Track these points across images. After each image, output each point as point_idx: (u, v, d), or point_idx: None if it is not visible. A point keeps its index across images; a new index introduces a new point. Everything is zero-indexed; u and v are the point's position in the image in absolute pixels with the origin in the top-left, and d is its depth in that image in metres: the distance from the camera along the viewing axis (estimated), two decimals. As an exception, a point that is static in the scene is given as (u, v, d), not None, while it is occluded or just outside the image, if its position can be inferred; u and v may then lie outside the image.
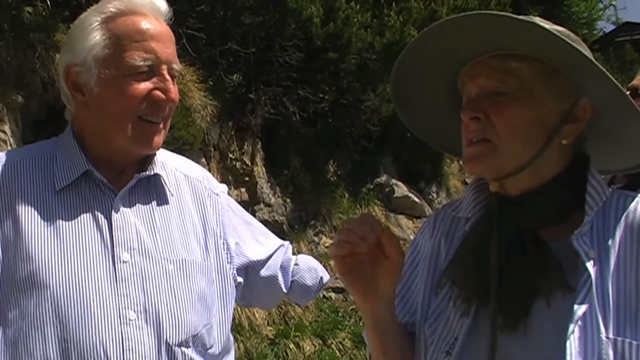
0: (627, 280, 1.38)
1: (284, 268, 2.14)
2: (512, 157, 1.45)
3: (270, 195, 8.02)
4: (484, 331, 1.44)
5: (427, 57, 1.54)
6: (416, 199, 9.77)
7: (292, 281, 2.16)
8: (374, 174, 9.54)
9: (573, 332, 1.35)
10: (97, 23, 1.81)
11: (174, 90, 1.83)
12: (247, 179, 7.87)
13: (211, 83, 7.32)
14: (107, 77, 1.79)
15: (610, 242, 1.41)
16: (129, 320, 1.74)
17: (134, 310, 1.75)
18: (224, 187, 2.10)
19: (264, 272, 2.09)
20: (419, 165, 9.73)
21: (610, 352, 1.33)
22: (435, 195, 10.37)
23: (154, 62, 1.79)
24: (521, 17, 1.41)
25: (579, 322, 1.36)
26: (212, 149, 7.47)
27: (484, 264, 1.46)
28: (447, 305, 1.53)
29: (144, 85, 1.79)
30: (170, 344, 1.77)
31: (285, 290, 2.15)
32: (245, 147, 7.92)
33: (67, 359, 1.71)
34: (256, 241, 2.09)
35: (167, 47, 1.82)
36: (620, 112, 1.45)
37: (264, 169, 8.09)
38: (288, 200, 8.28)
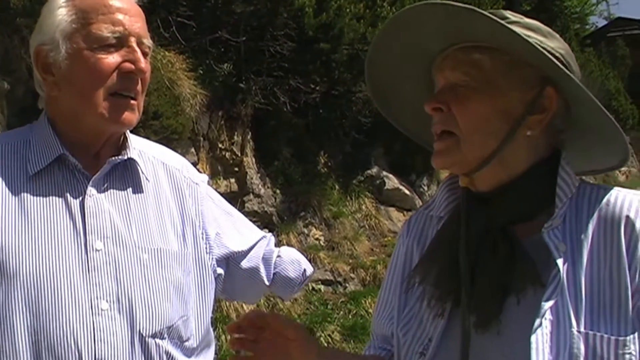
0: (600, 274, 1.36)
1: (266, 260, 2.09)
2: (474, 149, 1.43)
3: (260, 186, 7.97)
4: (458, 331, 1.42)
5: (398, 55, 1.52)
6: (407, 192, 9.76)
7: (274, 273, 2.11)
8: (364, 165, 9.52)
9: (540, 326, 1.33)
10: (62, 1, 1.79)
11: (143, 61, 1.78)
12: (236, 169, 7.82)
13: (201, 72, 7.26)
14: (75, 51, 1.75)
15: (583, 235, 1.39)
16: (101, 310, 1.70)
17: (107, 300, 1.71)
18: (204, 177, 2.05)
19: (245, 263, 2.04)
20: (410, 157, 9.69)
21: (582, 346, 1.32)
22: (426, 188, 10.36)
23: (121, 34, 1.75)
24: (474, 8, 1.38)
25: (550, 317, 1.34)
26: (202, 139, 7.42)
27: (456, 263, 1.44)
28: (421, 306, 1.52)
29: (113, 59, 1.75)
30: (144, 335, 1.73)
31: (267, 283, 2.10)
32: (235, 137, 7.87)
33: (38, 350, 1.66)
34: (237, 232, 2.04)
35: (135, 21, 1.78)
36: (589, 107, 1.42)
37: (253, 160, 8.04)
38: (278, 191, 8.24)
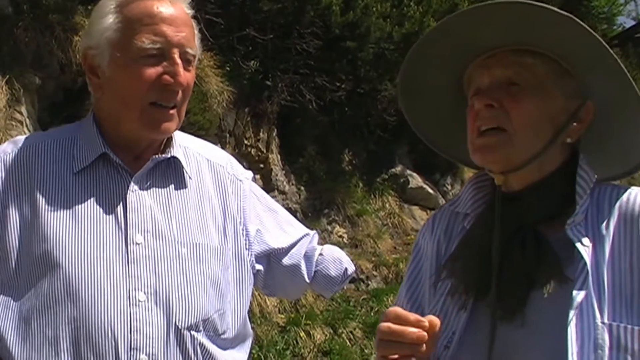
0: (621, 267, 1.41)
1: (307, 257, 2.12)
2: (524, 148, 1.47)
3: (285, 183, 8.01)
4: (481, 324, 1.47)
5: (440, 48, 1.56)
6: (431, 191, 9.73)
7: (315, 271, 2.13)
8: (389, 164, 9.50)
9: (572, 318, 1.37)
10: (112, 7, 1.83)
11: (183, 74, 1.81)
12: (261, 166, 7.85)
13: (228, 69, 7.29)
14: (118, 60, 1.80)
15: (604, 231, 1.44)
16: (139, 301, 1.74)
17: (144, 292, 1.75)
18: (249, 174, 2.09)
19: (286, 260, 2.07)
20: (434, 156, 9.52)
21: (606, 337, 1.36)
22: (450, 187, 10.32)
23: (163, 46, 1.79)
24: (554, 9, 1.42)
25: (575, 309, 1.38)
26: (228, 135, 7.46)
27: (484, 258, 1.48)
28: (445, 300, 1.55)
29: (153, 70, 1.78)
30: (180, 327, 1.77)
31: (308, 280, 2.12)
32: (261, 134, 7.90)
33: (76, 338, 1.72)
34: (280, 229, 2.08)
35: (179, 31, 1.81)
36: (625, 114, 1.49)
37: (279, 157, 8.07)
38: (302, 188, 8.26)
